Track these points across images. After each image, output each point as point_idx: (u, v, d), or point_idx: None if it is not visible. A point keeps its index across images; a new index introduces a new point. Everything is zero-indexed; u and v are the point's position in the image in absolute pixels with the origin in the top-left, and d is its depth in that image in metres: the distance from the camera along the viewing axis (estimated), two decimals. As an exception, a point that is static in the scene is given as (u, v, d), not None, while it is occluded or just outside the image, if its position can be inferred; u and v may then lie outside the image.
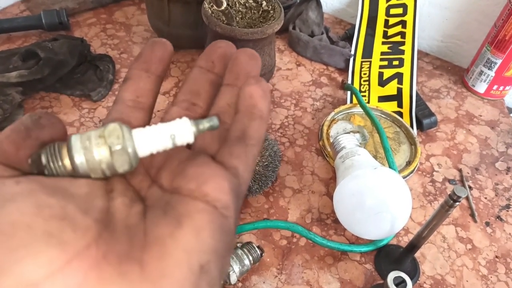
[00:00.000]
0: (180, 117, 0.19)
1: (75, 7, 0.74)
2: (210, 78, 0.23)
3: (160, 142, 0.18)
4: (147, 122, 0.22)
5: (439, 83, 0.71)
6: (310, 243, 0.47)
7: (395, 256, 0.45)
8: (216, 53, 0.24)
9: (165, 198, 0.18)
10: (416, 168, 0.55)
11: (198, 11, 0.58)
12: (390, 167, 0.50)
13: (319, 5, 0.74)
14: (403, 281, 0.38)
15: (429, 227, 0.39)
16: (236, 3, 0.63)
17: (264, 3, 0.62)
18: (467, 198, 0.53)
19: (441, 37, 0.78)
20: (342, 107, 0.61)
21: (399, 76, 0.67)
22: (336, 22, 0.84)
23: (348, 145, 0.49)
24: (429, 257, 0.47)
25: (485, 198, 0.54)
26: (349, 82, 0.67)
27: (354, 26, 0.75)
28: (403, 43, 0.71)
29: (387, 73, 0.68)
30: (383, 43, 0.72)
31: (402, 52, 0.70)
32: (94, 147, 0.17)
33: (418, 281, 0.45)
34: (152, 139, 0.18)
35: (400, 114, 0.63)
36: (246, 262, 0.42)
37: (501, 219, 0.51)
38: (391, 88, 0.66)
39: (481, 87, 0.68)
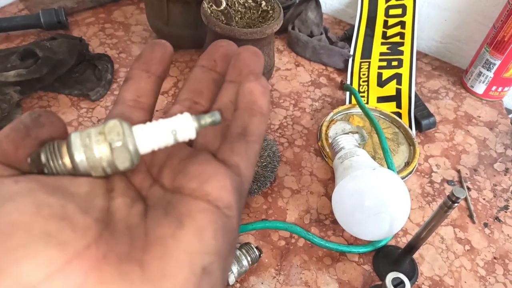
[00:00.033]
0: (182, 113, 0.18)
1: (74, 6, 0.74)
2: (212, 77, 0.23)
3: (161, 138, 0.18)
4: (148, 121, 0.22)
5: (438, 83, 0.71)
6: (308, 244, 0.47)
7: (393, 257, 0.45)
8: (218, 52, 0.23)
9: (166, 197, 0.17)
10: (414, 169, 0.55)
11: (197, 11, 0.58)
12: (388, 168, 0.50)
13: (318, 5, 0.74)
14: (402, 282, 0.38)
15: (428, 228, 0.39)
16: (235, 3, 0.63)
17: (263, 3, 0.62)
18: (465, 199, 0.53)
19: (440, 38, 0.78)
20: (341, 108, 0.61)
21: (398, 77, 0.67)
22: (335, 22, 0.84)
23: (347, 146, 0.49)
24: (428, 258, 0.47)
25: (484, 199, 0.54)
26: (348, 82, 0.68)
27: (353, 26, 0.76)
28: (402, 44, 0.71)
29: (386, 73, 0.68)
30: (382, 43, 0.72)
31: (401, 52, 0.70)
32: (94, 144, 0.17)
33: (416, 282, 0.45)
34: (153, 135, 0.17)
35: (399, 114, 0.63)
36: (244, 262, 0.42)
37: (499, 220, 0.52)
38: (390, 89, 0.66)
39: (479, 88, 0.68)
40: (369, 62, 0.70)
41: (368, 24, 0.75)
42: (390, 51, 0.71)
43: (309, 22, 0.73)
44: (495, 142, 0.62)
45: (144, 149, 0.18)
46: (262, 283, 0.43)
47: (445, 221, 0.50)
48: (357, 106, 0.60)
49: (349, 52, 0.70)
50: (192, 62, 0.68)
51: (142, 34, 0.73)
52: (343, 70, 0.71)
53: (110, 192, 0.17)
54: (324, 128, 0.58)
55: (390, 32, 0.73)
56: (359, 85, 0.67)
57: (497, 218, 0.52)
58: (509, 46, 0.62)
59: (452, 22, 0.75)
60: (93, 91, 0.60)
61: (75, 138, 0.17)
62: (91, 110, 0.59)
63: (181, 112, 0.18)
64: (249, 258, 0.42)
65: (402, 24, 0.73)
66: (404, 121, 0.61)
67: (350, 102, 0.64)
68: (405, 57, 0.69)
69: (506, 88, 0.68)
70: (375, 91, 0.66)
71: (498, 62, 0.64)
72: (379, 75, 0.68)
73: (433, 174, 0.56)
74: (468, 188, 0.55)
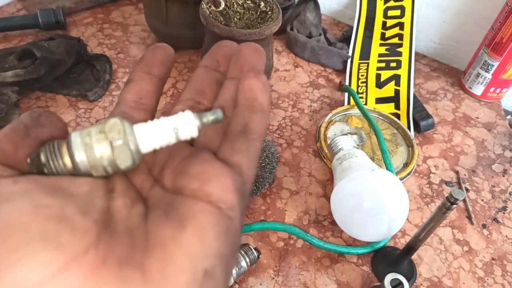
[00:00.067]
0: (183, 111, 0.18)
1: (72, 6, 0.74)
2: (215, 77, 0.23)
3: (163, 137, 0.17)
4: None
5: (437, 85, 0.72)
6: (307, 245, 0.47)
7: (392, 258, 0.45)
8: (222, 52, 0.23)
9: (167, 198, 0.17)
10: (413, 170, 0.55)
11: (196, 12, 0.58)
12: (387, 169, 0.50)
13: (317, 6, 0.74)
14: (400, 283, 0.38)
15: (426, 229, 0.39)
16: (234, 3, 0.62)
17: (262, 4, 0.62)
18: (464, 200, 0.53)
19: (438, 39, 0.78)
20: (339, 109, 0.61)
21: (396, 78, 0.67)
22: (334, 23, 0.84)
23: (345, 147, 0.49)
24: (426, 259, 0.47)
25: (482, 200, 0.54)
26: (347, 83, 0.68)
27: (351, 27, 0.76)
28: (400, 45, 0.71)
29: (385, 74, 0.68)
30: (381, 44, 0.72)
31: (400, 54, 0.70)
32: (95, 143, 0.16)
33: (415, 283, 0.45)
34: (154, 134, 0.17)
35: (398, 116, 0.63)
36: (243, 264, 0.41)
37: (497, 221, 0.52)
38: (388, 90, 0.66)
39: (478, 89, 0.69)
40: (368, 63, 0.70)
41: (366, 25, 0.75)
42: (389, 52, 0.71)
43: (307, 23, 0.73)
44: (493, 143, 0.62)
45: (146, 147, 0.17)
46: (260, 284, 0.43)
47: (444, 222, 0.50)
48: (356, 107, 0.60)
49: (348, 53, 0.70)
50: (190, 63, 0.68)
51: (140, 34, 0.72)
52: (341, 71, 0.71)
53: (110, 193, 0.17)
54: (322, 129, 0.58)
55: (388, 33, 0.73)
56: (358, 86, 0.67)
57: (495, 219, 0.52)
58: (507, 47, 0.62)
59: (451, 23, 0.75)
60: (91, 91, 0.59)
61: (75, 137, 0.16)
62: (89, 111, 0.58)
63: (183, 111, 0.18)
64: (247, 259, 0.42)
65: (401, 25, 0.73)
66: (403, 122, 0.61)
67: (348, 103, 0.64)
68: (404, 58, 0.69)
69: (504, 90, 0.68)
70: (374, 92, 0.66)
71: (496, 64, 0.64)
72: (378, 76, 0.68)
73: (431, 175, 0.56)
74: (467, 189, 0.55)
